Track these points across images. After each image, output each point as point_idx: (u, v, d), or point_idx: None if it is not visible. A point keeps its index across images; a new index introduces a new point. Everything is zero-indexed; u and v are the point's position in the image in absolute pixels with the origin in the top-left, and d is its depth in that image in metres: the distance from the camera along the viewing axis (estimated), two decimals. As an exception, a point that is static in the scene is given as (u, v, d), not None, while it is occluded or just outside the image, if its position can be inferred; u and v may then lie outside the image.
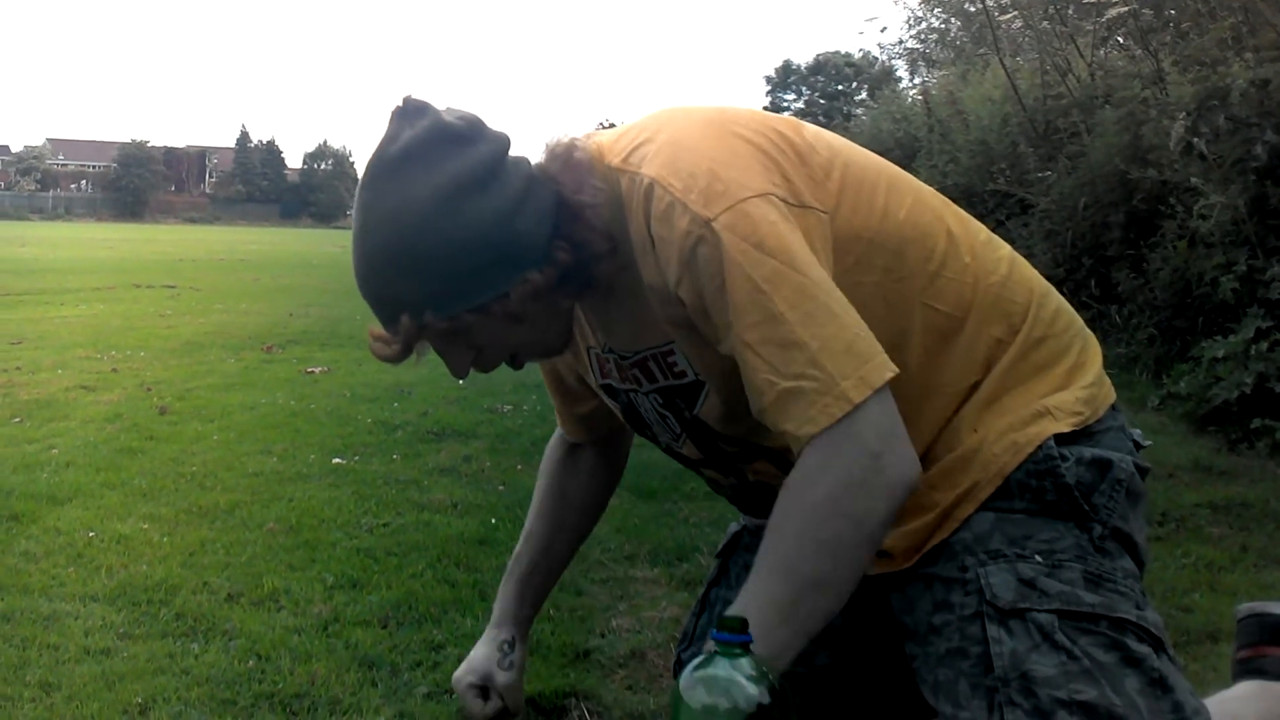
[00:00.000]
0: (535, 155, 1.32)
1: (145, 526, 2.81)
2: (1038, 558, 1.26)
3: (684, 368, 1.33)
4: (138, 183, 71.68)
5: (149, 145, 76.31)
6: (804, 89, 48.27)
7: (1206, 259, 4.70)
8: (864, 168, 1.34)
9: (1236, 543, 2.78)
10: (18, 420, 4.23)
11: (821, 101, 44.24)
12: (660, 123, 1.30)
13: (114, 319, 8.25)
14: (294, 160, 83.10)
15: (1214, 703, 1.31)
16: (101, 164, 76.18)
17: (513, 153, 1.28)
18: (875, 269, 1.29)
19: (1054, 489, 1.29)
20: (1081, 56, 7.11)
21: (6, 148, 78.52)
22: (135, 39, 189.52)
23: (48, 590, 2.32)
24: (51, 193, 71.66)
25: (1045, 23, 7.64)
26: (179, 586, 2.35)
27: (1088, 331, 1.42)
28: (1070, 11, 7.48)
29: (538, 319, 1.30)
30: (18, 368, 5.57)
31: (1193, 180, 4.75)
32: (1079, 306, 5.90)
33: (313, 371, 5.73)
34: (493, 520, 2.91)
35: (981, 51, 9.97)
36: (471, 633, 2.03)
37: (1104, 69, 6.91)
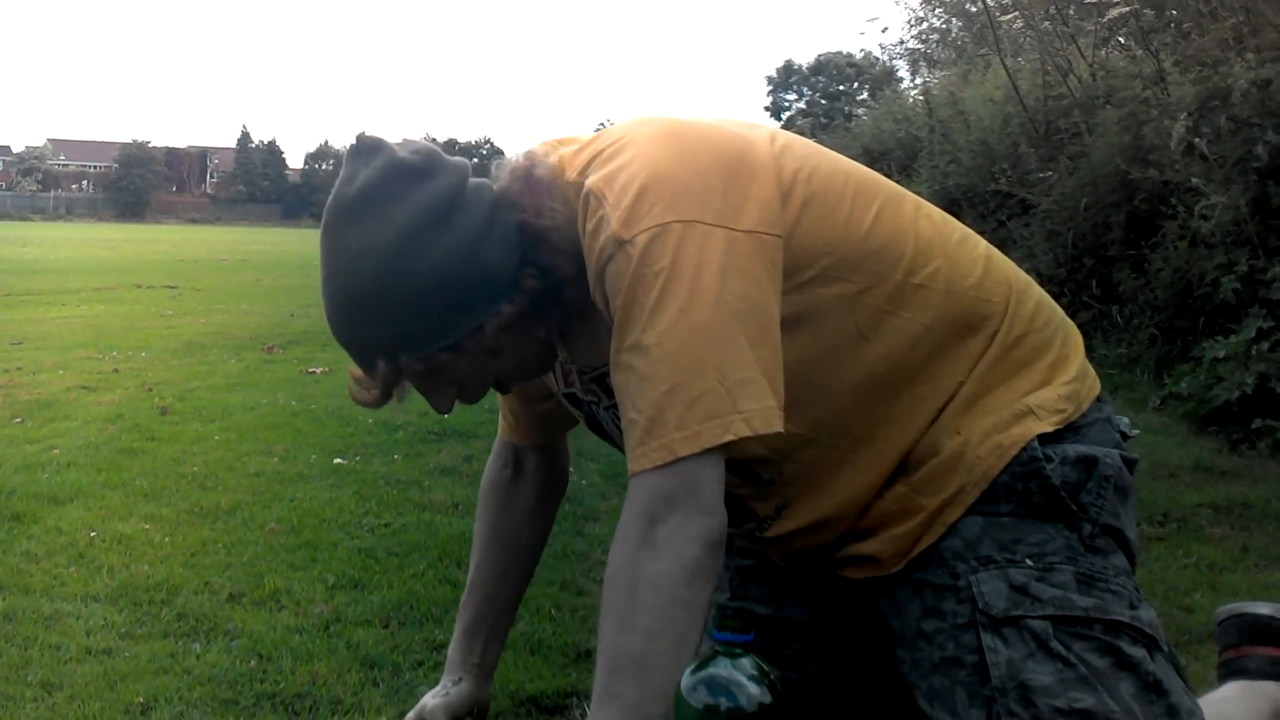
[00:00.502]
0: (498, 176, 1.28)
1: (147, 527, 2.82)
2: (1028, 562, 1.26)
3: None
4: (139, 183, 71.67)
5: (150, 145, 76.36)
6: (805, 89, 48.31)
7: (1208, 259, 4.70)
8: (830, 176, 1.30)
9: (1238, 543, 2.79)
10: (19, 420, 4.23)
11: (823, 102, 44.24)
12: (621, 132, 1.28)
13: (115, 319, 8.26)
14: (295, 161, 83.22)
15: (1202, 704, 1.31)
16: (102, 164, 76.19)
17: (473, 179, 1.26)
18: (838, 281, 1.26)
19: (1040, 491, 1.28)
20: (1083, 57, 7.10)
21: (8, 148, 78.56)
22: (136, 39, 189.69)
23: (49, 590, 2.33)
24: (53, 193, 71.69)
25: (1046, 23, 7.63)
26: (180, 586, 2.36)
27: (1069, 324, 1.41)
28: (1071, 12, 7.47)
29: (514, 348, 1.29)
30: (19, 368, 5.58)
31: (1194, 180, 4.75)
32: (1080, 306, 5.92)
33: (314, 372, 5.73)
34: (494, 520, 2.91)
35: (983, 52, 9.96)
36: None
37: (1105, 69, 6.90)
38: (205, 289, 11.70)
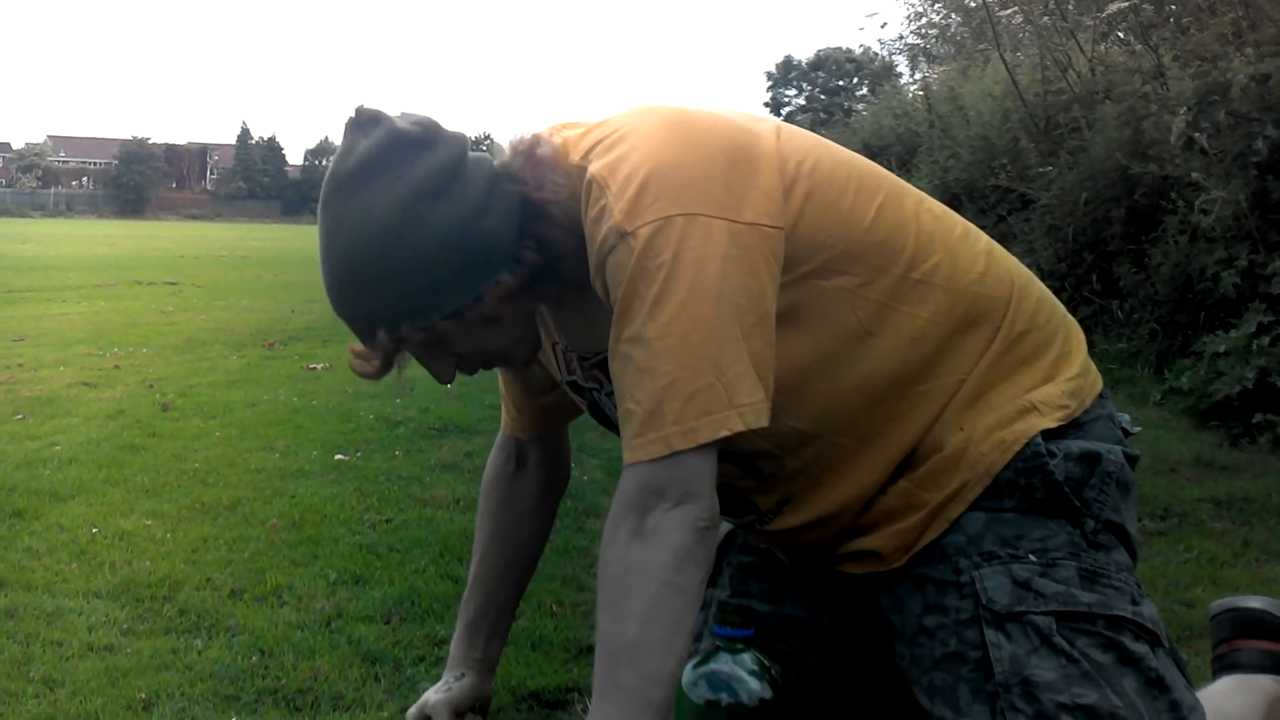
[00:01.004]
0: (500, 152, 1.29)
1: (148, 523, 2.82)
2: (1031, 557, 1.26)
3: None
4: (139, 180, 71.66)
5: (150, 142, 76.36)
6: (805, 85, 48.23)
7: (1208, 254, 4.70)
8: (833, 168, 1.30)
9: (1238, 537, 2.79)
10: (20, 417, 4.23)
11: (822, 97, 44.16)
12: (624, 119, 1.28)
13: (116, 316, 8.26)
14: (295, 157, 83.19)
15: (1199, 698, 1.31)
16: (103, 161, 76.17)
17: (472, 153, 1.26)
18: (839, 274, 1.26)
19: (1043, 486, 1.28)
20: (1082, 51, 7.10)
21: (8, 145, 78.53)
22: (136, 36, 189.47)
23: (51, 586, 2.33)
24: (53, 190, 71.70)
25: (1045, 18, 7.62)
26: (182, 583, 2.36)
27: (1071, 320, 1.41)
28: (1070, 6, 7.47)
29: (511, 321, 1.29)
30: (20, 364, 5.57)
31: (1194, 175, 4.75)
32: (1081, 301, 5.92)
33: (314, 368, 5.73)
34: (495, 516, 2.91)
35: (982, 47, 9.94)
36: (474, 628, 2.03)
37: (1105, 64, 6.89)
38: (206, 285, 11.69)
